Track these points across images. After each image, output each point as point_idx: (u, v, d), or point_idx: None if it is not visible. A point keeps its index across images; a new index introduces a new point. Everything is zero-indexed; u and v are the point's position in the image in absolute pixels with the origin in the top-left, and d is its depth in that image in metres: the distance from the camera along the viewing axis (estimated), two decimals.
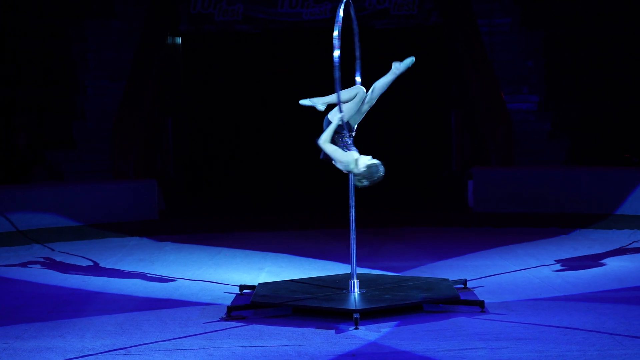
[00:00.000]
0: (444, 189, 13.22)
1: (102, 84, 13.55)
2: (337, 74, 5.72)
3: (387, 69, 6.10)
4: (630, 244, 8.61)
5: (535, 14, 14.17)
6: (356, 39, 6.23)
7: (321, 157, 5.88)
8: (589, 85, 13.49)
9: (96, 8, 14.13)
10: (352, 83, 6.05)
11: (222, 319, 5.68)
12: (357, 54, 6.26)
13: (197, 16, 14.02)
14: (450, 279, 6.45)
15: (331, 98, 5.96)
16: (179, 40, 14.43)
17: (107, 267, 7.96)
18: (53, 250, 9.02)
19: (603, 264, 7.50)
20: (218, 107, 15.30)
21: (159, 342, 5.17)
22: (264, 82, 15.05)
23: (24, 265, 8.20)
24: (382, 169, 5.64)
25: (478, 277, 6.96)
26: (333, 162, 5.80)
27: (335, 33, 5.74)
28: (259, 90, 15.12)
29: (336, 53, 5.75)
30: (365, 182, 5.66)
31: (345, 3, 5.98)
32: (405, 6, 13.85)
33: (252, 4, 14.00)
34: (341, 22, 5.77)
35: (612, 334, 5.07)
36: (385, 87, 5.96)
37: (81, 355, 4.94)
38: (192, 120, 15.04)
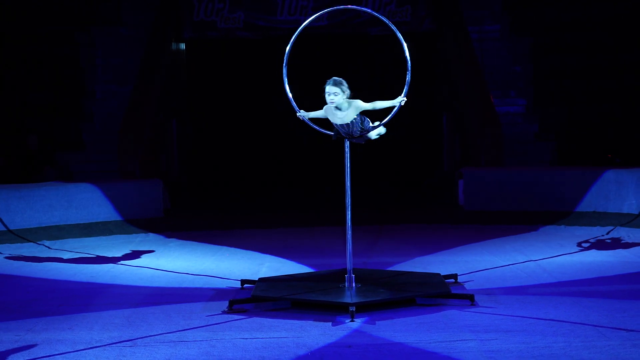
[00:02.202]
0: (436, 188, 13.36)
1: (110, 89, 13.77)
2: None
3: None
4: (612, 239, 8.81)
5: (524, 21, 14.38)
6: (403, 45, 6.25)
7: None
8: (574, 89, 13.71)
9: (104, 16, 14.34)
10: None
11: (224, 312, 5.81)
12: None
13: (200, 23, 14.22)
14: (442, 274, 6.64)
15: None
16: (182, 46, 14.61)
17: (114, 262, 8.13)
18: (62, 246, 9.18)
19: (587, 259, 7.69)
20: (220, 109, 15.47)
21: (164, 334, 5.26)
22: (264, 85, 15.23)
23: (35, 261, 8.37)
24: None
25: (468, 271, 7.15)
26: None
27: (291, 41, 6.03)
28: (258, 94, 15.28)
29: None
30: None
31: (340, 10, 6.17)
32: (399, 13, 14.04)
33: (253, 12, 14.17)
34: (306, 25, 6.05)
35: (596, 326, 5.20)
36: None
37: (90, 346, 5.02)
38: (196, 122, 15.20)
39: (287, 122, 15.05)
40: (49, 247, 9.18)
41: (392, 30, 6.15)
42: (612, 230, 9.32)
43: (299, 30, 6.10)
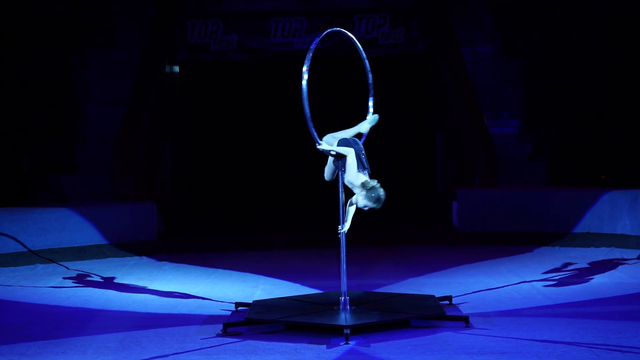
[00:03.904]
0: (430, 210, 13.40)
1: (103, 111, 13.79)
2: (305, 103, 5.98)
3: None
4: (606, 260, 8.84)
5: (515, 42, 14.46)
6: (365, 63, 6.44)
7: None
8: (567, 109, 13.79)
9: (98, 38, 14.40)
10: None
11: (218, 335, 5.80)
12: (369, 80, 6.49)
13: (194, 46, 14.29)
14: (436, 296, 6.65)
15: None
16: (176, 68, 14.66)
17: (108, 285, 8.12)
18: (56, 270, 9.17)
19: (582, 280, 7.71)
20: (214, 131, 15.52)
21: (158, 358, 5.26)
22: (258, 107, 15.31)
23: (28, 284, 8.35)
24: (381, 191, 5.88)
25: (463, 293, 7.16)
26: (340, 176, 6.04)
27: (305, 68, 6.03)
28: (252, 115, 15.34)
29: (304, 82, 6.01)
30: (371, 205, 5.90)
31: (337, 32, 6.26)
32: (392, 35, 14.15)
33: (246, 34, 14.27)
34: (313, 51, 6.07)
35: (591, 347, 5.22)
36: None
37: None
38: (190, 144, 15.24)
39: (279, 142, 15.17)
40: (42, 270, 9.15)
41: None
42: (606, 251, 9.34)
43: (308, 57, 6.05)
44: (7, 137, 13.14)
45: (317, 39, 6.09)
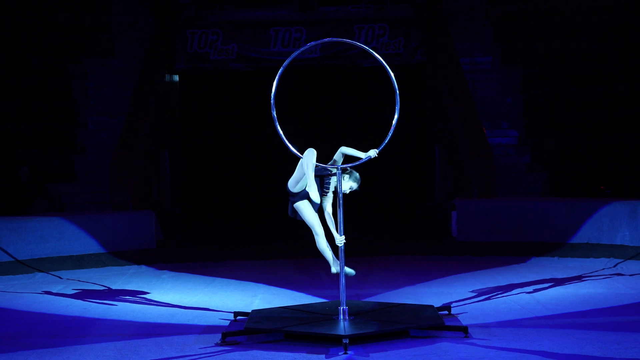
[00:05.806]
0: (428, 220, 13.41)
1: (102, 120, 13.83)
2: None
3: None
4: (606, 271, 8.86)
5: (515, 53, 14.54)
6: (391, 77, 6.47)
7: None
8: (565, 120, 13.82)
9: (97, 48, 14.46)
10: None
11: (217, 344, 5.83)
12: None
13: (193, 55, 14.35)
14: (435, 305, 6.67)
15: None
16: (175, 77, 14.72)
17: (106, 294, 8.13)
18: (54, 278, 9.17)
19: (580, 291, 7.73)
20: (213, 140, 15.54)
21: None
22: (256, 116, 15.34)
23: (27, 293, 8.34)
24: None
25: (461, 303, 7.18)
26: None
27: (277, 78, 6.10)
28: (251, 125, 15.37)
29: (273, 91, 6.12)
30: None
31: (333, 42, 6.28)
32: (392, 45, 14.20)
33: (246, 44, 14.33)
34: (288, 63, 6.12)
35: (589, 358, 5.23)
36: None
37: None
38: (188, 153, 15.25)
39: (278, 152, 15.15)
40: (41, 279, 9.15)
41: (385, 62, 6.24)
42: (605, 261, 9.34)
43: (284, 64, 6.14)
44: (6, 146, 13.15)
45: (299, 50, 6.14)
